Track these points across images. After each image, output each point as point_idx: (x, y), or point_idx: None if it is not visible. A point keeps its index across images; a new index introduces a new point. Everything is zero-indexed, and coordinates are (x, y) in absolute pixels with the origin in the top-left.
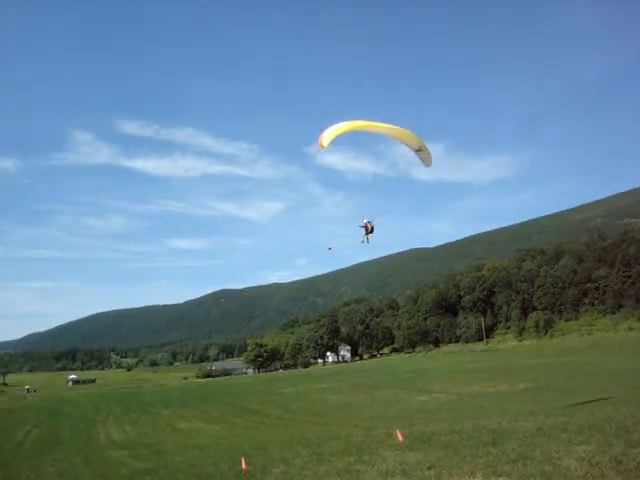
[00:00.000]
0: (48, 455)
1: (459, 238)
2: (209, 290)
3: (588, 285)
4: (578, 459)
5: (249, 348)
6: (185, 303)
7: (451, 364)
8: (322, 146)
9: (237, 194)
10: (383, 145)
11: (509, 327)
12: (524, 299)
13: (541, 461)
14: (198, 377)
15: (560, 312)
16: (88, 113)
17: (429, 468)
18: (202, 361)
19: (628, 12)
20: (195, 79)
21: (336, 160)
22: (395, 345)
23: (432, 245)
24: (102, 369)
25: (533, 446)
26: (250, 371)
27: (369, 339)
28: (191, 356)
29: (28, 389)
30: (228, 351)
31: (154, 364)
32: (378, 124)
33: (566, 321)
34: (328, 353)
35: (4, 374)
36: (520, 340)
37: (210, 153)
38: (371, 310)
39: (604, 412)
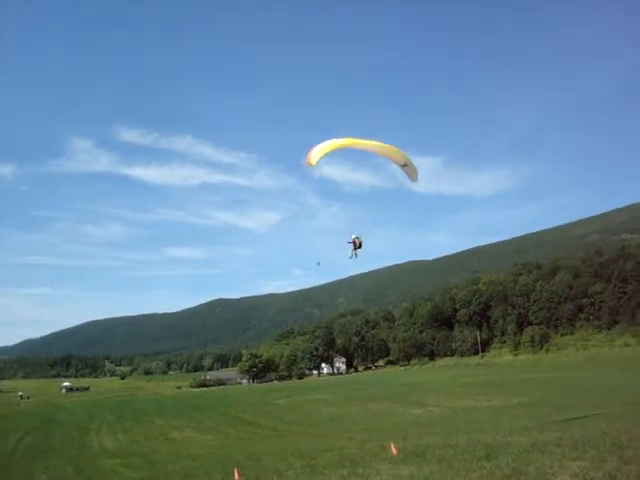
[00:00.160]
0: (40, 462)
1: (456, 251)
2: (205, 299)
3: (584, 300)
4: (572, 475)
5: (244, 358)
6: (181, 312)
7: (446, 378)
8: (310, 164)
9: (236, 204)
10: (381, 157)
11: (505, 341)
12: (520, 313)
13: (535, 476)
14: (192, 386)
15: (556, 327)
16: (88, 121)
17: None
18: (196, 370)
19: (628, 26)
20: (195, 88)
21: (334, 171)
22: (390, 357)
23: (430, 258)
24: (96, 377)
25: (527, 461)
26: (244, 381)
27: (364, 351)
28: (185, 365)
29: (22, 395)
30: (223, 361)
31: (148, 373)
32: (365, 141)
33: (562, 336)
34: (323, 364)
35: None
36: (515, 354)
37: (209, 162)
38: (367, 322)
39: (598, 428)
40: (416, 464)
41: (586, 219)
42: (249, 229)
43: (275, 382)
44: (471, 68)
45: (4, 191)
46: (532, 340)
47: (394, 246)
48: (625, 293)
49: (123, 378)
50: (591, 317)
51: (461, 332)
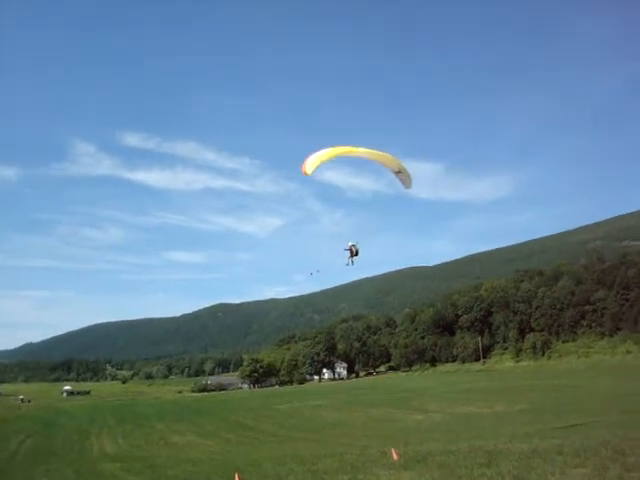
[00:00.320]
0: (41, 465)
1: (458, 257)
2: (206, 304)
3: (586, 307)
4: None
5: (245, 363)
6: (182, 316)
7: (447, 384)
8: (306, 173)
9: (237, 209)
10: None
11: (506, 348)
12: (522, 320)
13: None
14: (193, 391)
15: (557, 334)
16: (91, 124)
17: None
18: (197, 375)
19: (630, 31)
20: (198, 93)
21: (336, 177)
22: (392, 363)
23: (431, 264)
24: (97, 381)
25: (529, 468)
26: (245, 386)
27: (366, 357)
28: (187, 370)
29: (22, 399)
30: (224, 366)
31: (149, 377)
32: (360, 149)
33: (563, 343)
34: (324, 370)
35: None
36: (517, 361)
37: (212, 167)
38: (368, 327)
39: (600, 435)
40: (417, 470)
41: (588, 226)
42: (250, 234)
43: (276, 387)
44: (472, 74)
45: (7, 194)
46: (534, 347)
47: (396, 252)
48: (627, 300)
49: (124, 382)
50: (593, 324)
51: (462, 338)
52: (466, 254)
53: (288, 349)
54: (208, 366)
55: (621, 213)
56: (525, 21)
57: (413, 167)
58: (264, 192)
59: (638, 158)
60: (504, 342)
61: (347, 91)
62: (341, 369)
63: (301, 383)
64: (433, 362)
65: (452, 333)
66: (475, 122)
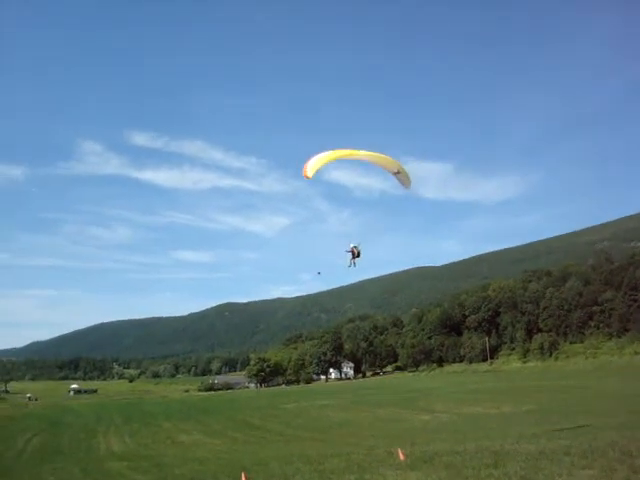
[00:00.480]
0: (48, 464)
1: (466, 257)
2: (213, 303)
3: (594, 308)
4: None
5: (252, 362)
6: (189, 315)
7: (454, 384)
8: (307, 177)
9: (245, 208)
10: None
11: (514, 348)
12: (529, 320)
13: None
14: (200, 390)
15: (565, 334)
16: (98, 124)
17: None
18: (204, 374)
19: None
20: (205, 92)
21: (344, 176)
22: (398, 363)
23: (439, 264)
24: (104, 379)
25: (536, 469)
26: (252, 385)
27: (372, 357)
28: (194, 369)
29: (29, 397)
30: (231, 365)
31: (156, 376)
32: (359, 152)
33: (571, 344)
34: (331, 369)
35: (6, 382)
36: (524, 362)
37: (219, 166)
38: (375, 327)
39: (607, 436)
40: (424, 470)
41: (596, 226)
42: (257, 233)
43: (283, 387)
44: (481, 74)
45: (15, 193)
46: (541, 347)
47: (403, 252)
48: (635, 301)
49: (131, 381)
50: (601, 325)
51: (470, 338)
52: (474, 254)
53: (295, 348)
54: (215, 365)
55: (629, 213)
56: (536, 20)
57: (421, 167)
58: (271, 191)
59: None
60: (511, 343)
61: (348, 91)
62: (348, 369)
63: (308, 383)
64: (440, 362)
65: (459, 333)
66: (484, 122)
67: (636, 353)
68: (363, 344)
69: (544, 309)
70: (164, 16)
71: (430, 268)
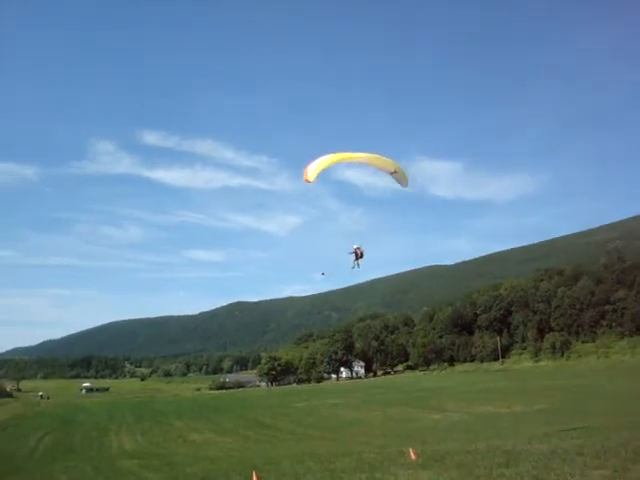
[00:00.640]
0: (60, 462)
1: (477, 256)
2: (224, 302)
3: (606, 307)
4: None
5: (263, 361)
6: (200, 314)
7: (465, 383)
8: (308, 181)
9: (256, 207)
10: (404, 161)
11: (525, 347)
12: (541, 319)
13: None
14: (211, 389)
15: (577, 334)
16: (110, 123)
17: None
18: (216, 373)
19: None
20: (215, 92)
21: (354, 175)
22: (409, 362)
23: (450, 263)
24: (116, 378)
25: (548, 469)
26: (263, 384)
27: (383, 356)
28: (205, 367)
29: (42, 396)
30: (242, 363)
31: (168, 374)
32: (357, 154)
33: (583, 343)
34: (342, 368)
35: (18, 380)
36: (536, 361)
37: (230, 166)
38: (386, 326)
39: (620, 436)
40: (435, 470)
41: (608, 225)
42: (269, 232)
43: (294, 385)
44: (492, 73)
45: (28, 192)
46: (553, 347)
47: (414, 250)
48: None
49: (143, 379)
50: (613, 324)
51: (481, 338)
52: (485, 253)
53: (306, 347)
54: (226, 364)
55: None
56: (549, 19)
57: (432, 166)
58: (283, 190)
59: None
60: (523, 342)
61: (367, 89)
62: (359, 368)
63: (319, 381)
64: (451, 361)
65: (471, 332)
66: (494, 121)
67: None
68: (374, 343)
69: (556, 308)
70: (172, 16)
71: (441, 267)
